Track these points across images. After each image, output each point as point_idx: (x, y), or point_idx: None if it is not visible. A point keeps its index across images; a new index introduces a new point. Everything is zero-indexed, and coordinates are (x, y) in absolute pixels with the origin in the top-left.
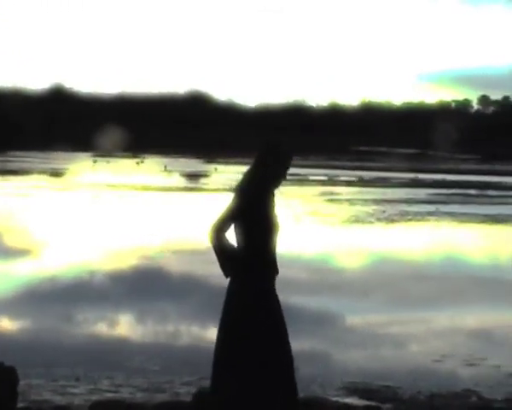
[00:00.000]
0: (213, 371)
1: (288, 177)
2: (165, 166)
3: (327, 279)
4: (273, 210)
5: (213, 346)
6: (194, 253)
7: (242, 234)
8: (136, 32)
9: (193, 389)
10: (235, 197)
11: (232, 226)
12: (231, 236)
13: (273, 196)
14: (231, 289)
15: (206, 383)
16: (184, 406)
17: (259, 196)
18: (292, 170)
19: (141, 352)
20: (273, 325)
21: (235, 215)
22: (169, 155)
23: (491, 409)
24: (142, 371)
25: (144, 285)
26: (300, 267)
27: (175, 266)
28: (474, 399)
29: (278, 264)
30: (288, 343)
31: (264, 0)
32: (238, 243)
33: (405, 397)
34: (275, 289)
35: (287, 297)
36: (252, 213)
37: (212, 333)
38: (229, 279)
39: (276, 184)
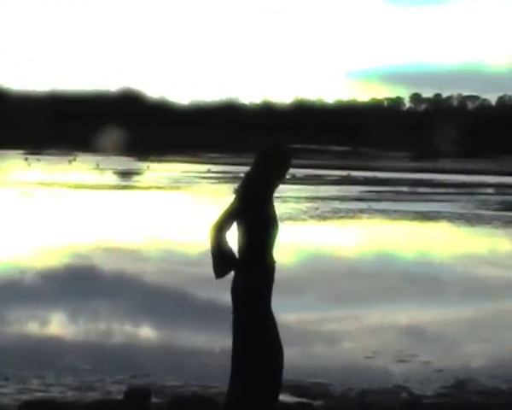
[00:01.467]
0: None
1: (220, 175)
2: (98, 164)
3: None
4: (273, 211)
5: (144, 343)
6: (126, 251)
7: (243, 234)
8: (68, 30)
9: (124, 388)
10: (235, 198)
11: (235, 227)
12: (232, 237)
13: (272, 197)
14: (234, 290)
15: (138, 381)
16: (116, 404)
17: (259, 198)
18: (224, 168)
19: (72, 350)
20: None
21: (236, 216)
22: (101, 153)
23: (420, 405)
24: (72, 369)
25: (74, 283)
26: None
27: (106, 264)
28: (404, 395)
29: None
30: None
31: None
32: (239, 243)
33: (336, 394)
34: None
35: (221, 297)
36: (252, 214)
37: (143, 331)
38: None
39: (275, 186)
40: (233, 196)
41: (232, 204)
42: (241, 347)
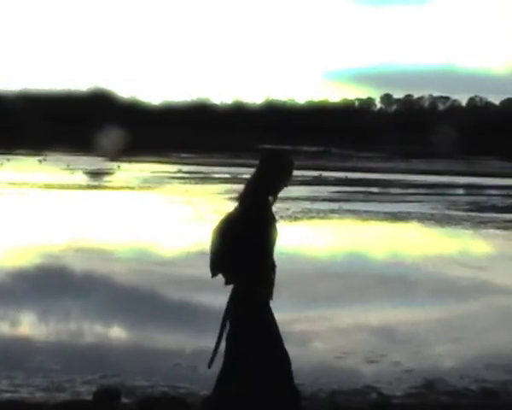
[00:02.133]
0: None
1: (191, 175)
2: (68, 165)
3: None
4: (272, 217)
5: (114, 343)
6: (96, 251)
7: (243, 239)
8: (39, 29)
9: (94, 388)
10: (239, 203)
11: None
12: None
13: (272, 203)
14: (233, 296)
15: (107, 381)
16: (85, 404)
17: (261, 206)
18: (194, 168)
19: (41, 351)
20: (274, 332)
21: (239, 220)
22: (72, 153)
23: (390, 405)
24: (42, 370)
25: (44, 284)
26: (205, 265)
27: (76, 264)
28: (374, 395)
29: (187, 263)
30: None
31: None
32: (239, 248)
33: (306, 394)
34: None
35: (191, 295)
36: (253, 220)
37: (113, 331)
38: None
39: (276, 192)
40: (236, 203)
41: (235, 210)
42: (240, 346)
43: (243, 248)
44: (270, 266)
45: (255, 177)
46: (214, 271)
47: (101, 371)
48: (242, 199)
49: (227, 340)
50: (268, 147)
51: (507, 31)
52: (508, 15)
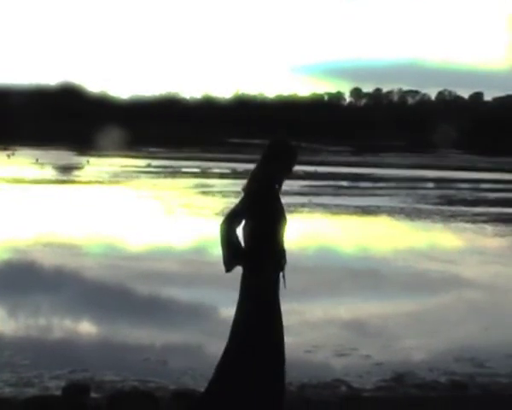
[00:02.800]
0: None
1: (160, 169)
2: (37, 159)
3: (201, 272)
4: (279, 205)
5: (83, 338)
6: (65, 246)
7: (250, 228)
8: (8, 23)
9: (62, 383)
10: (243, 195)
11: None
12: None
13: (278, 191)
14: (243, 283)
15: (76, 376)
16: (54, 400)
17: (265, 193)
18: (164, 162)
19: (9, 346)
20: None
21: (244, 213)
22: (41, 147)
23: (360, 398)
24: (10, 365)
25: (12, 278)
26: (174, 260)
27: (44, 259)
28: (343, 388)
29: (155, 257)
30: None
31: None
32: (246, 237)
33: None
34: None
35: (160, 290)
36: (258, 208)
37: (82, 326)
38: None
39: (280, 181)
40: (241, 194)
41: (240, 201)
42: (242, 335)
43: (250, 225)
44: (278, 252)
45: (258, 166)
46: (228, 266)
47: (70, 366)
48: (246, 187)
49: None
50: (276, 136)
51: (474, 25)
52: (475, 10)
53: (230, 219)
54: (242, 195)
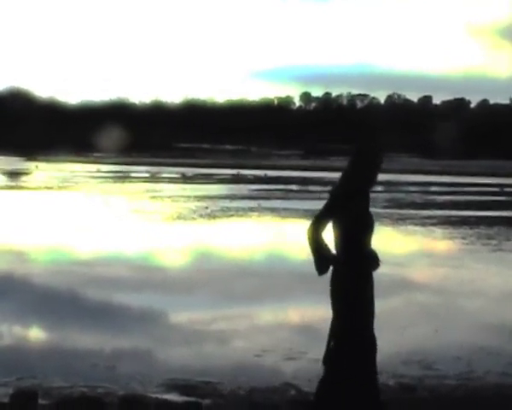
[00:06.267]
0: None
1: (109, 174)
2: None
3: (150, 277)
4: (366, 209)
5: (31, 344)
6: (12, 252)
7: (338, 231)
8: None
9: (10, 390)
10: (329, 198)
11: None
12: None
13: (366, 196)
14: (333, 285)
15: (24, 382)
16: (1, 407)
17: (351, 197)
18: (113, 167)
19: None
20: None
21: (329, 215)
22: None
23: (308, 402)
24: None
25: None
26: (124, 265)
27: None
28: (292, 392)
29: (103, 263)
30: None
31: None
32: (334, 238)
33: (225, 392)
34: (371, 285)
35: (109, 295)
36: (345, 212)
37: (29, 332)
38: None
39: (367, 185)
40: (327, 196)
41: (325, 204)
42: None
43: (335, 226)
44: (365, 255)
45: (346, 170)
46: (319, 270)
47: (17, 373)
48: (331, 191)
49: None
50: (359, 141)
51: (421, 30)
52: (422, 15)
53: (315, 223)
54: (329, 196)
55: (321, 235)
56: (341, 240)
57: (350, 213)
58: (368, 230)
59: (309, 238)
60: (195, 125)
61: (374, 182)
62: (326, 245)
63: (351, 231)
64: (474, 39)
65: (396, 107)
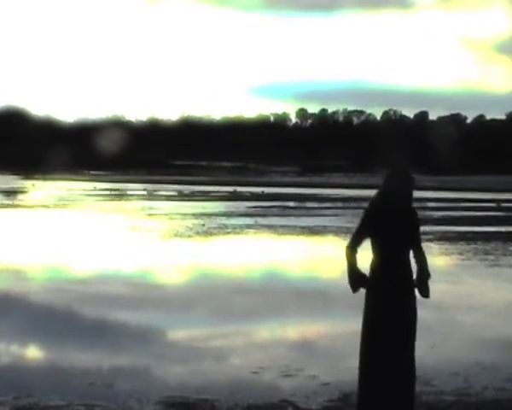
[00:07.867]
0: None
1: (106, 192)
2: None
3: (148, 294)
4: (397, 226)
5: (28, 363)
6: (10, 270)
7: (372, 249)
8: None
9: (7, 409)
10: (363, 214)
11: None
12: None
13: (398, 214)
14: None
15: (21, 401)
16: None
17: (381, 215)
18: (110, 185)
19: None
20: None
21: (362, 233)
22: None
23: None
24: None
25: None
26: (121, 283)
27: None
28: (289, 409)
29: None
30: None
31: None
32: (373, 257)
33: (222, 409)
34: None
35: (107, 313)
36: (376, 229)
37: (27, 350)
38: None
39: (397, 204)
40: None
41: (359, 221)
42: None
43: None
44: (388, 266)
45: (378, 189)
46: (352, 288)
47: (14, 392)
48: (365, 210)
49: None
50: (392, 161)
51: (417, 47)
52: (417, 32)
53: (351, 241)
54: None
55: (354, 254)
56: (374, 254)
57: (379, 230)
58: (388, 242)
59: (346, 258)
60: (192, 143)
61: (403, 204)
62: (355, 264)
63: (374, 245)
64: (470, 54)
65: (392, 123)
